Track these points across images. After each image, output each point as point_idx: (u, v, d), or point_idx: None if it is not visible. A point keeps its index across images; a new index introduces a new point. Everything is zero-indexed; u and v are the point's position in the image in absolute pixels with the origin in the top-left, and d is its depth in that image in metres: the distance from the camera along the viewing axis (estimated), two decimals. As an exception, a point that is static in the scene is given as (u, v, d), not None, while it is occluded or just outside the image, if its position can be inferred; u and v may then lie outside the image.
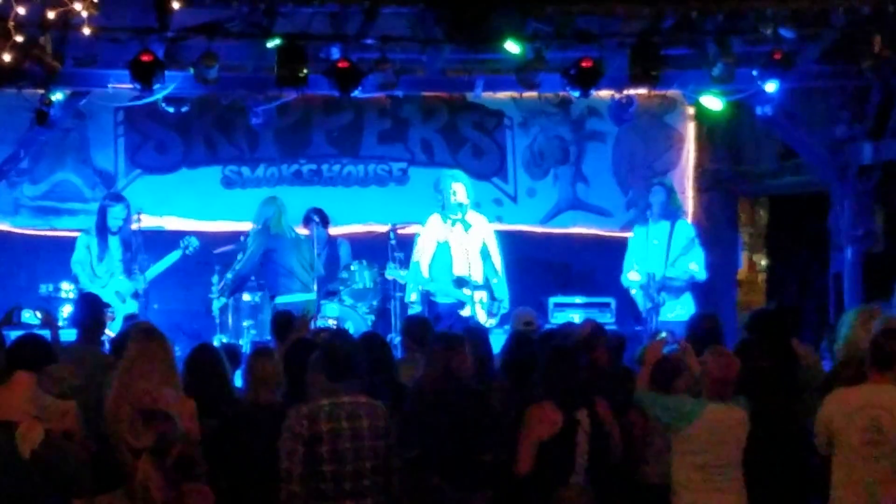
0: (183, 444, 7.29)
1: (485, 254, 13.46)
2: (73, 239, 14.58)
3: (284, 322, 10.93)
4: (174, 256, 13.34)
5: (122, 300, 13.22)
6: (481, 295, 13.29)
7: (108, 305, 11.15)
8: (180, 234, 13.78)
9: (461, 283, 13.23)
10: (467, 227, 13.34)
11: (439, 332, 9.53)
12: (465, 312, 13.16)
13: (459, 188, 13.34)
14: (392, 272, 13.41)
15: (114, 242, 13.38)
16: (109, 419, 7.61)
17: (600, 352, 9.21)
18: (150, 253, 13.43)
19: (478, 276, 13.36)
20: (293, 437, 7.17)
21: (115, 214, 13.36)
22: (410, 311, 13.42)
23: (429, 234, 13.42)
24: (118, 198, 13.56)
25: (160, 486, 6.56)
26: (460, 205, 13.28)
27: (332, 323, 13.00)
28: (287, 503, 7.17)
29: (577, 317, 13.27)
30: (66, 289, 13.31)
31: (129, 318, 12.92)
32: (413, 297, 13.55)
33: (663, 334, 11.76)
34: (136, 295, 13.34)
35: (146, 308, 13.42)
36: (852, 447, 7.78)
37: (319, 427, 7.16)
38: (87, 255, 13.30)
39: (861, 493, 7.76)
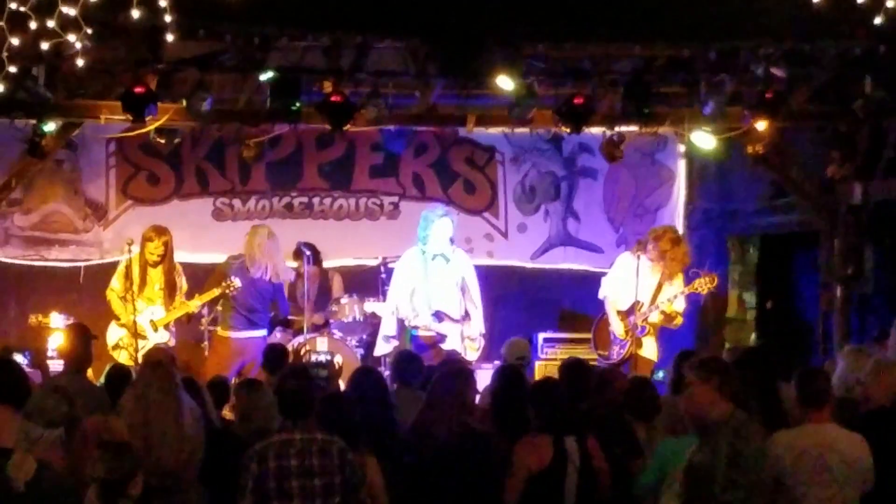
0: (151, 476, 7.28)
1: (464, 289, 13.43)
2: (64, 269, 14.64)
3: (276, 355, 10.94)
4: (212, 294, 13.25)
5: (154, 330, 13.23)
6: (461, 329, 13.26)
7: (95, 337, 11.13)
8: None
9: (440, 316, 13.21)
10: (447, 260, 13.32)
11: (442, 369, 9.43)
12: (447, 346, 13.12)
13: (437, 233, 13.29)
14: (371, 306, 13.39)
15: (155, 273, 13.39)
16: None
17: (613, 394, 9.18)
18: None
19: (457, 311, 13.32)
20: (243, 474, 7.24)
21: (151, 250, 13.34)
22: (391, 346, 13.34)
23: (405, 269, 13.40)
24: (159, 232, 13.44)
25: None
26: (435, 254, 13.26)
27: (323, 358, 12.98)
28: None
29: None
30: (56, 319, 13.28)
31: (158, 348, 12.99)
32: (391, 331, 13.46)
33: (661, 374, 11.83)
34: (167, 326, 13.35)
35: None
36: (799, 490, 7.77)
37: (267, 464, 7.22)
38: (125, 284, 13.23)
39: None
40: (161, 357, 8.48)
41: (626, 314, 13.33)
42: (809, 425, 7.93)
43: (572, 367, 9.59)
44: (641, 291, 13.20)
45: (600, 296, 13.68)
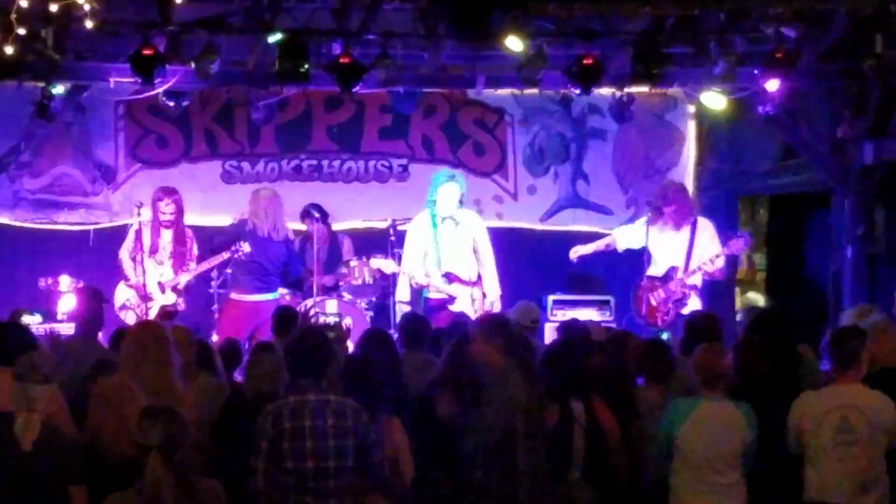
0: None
1: (476, 251, 13.42)
2: (73, 232, 14.65)
3: (286, 318, 10.95)
4: (221, 258, 13.29)
5: (161, 291, 13.27)
6: (472, 292, 13.26)
7: (107, 300, 11.17)
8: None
9: (451, 278, 13.20)
10: (456, 223, 13.31)
11: (457, 330, 9.43)
12: (455, 308, 13.12)
13: (445, 195, 13.26)
14: (378, 262, 13.38)
15: (166, 236, 13.42)
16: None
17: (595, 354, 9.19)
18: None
19: (469, 273, 13.31)
20: (259, 434, 7.20)
21: (163, 209, 13.38)
22: (401, 310, 13.34)
23: (416, 232, 13.41)
24: (169, 192, 13.51)
25: (171, 484, 6.54)
26: (444, 217, 13.24)
27: (332, 320, 12.98)
28: (251, 498, 7.18)
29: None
30: (65, 282, 13.30)
31: (165, 310, 13.17)
32: (405, 297, 13.46)
33: (665, 335, 11.84)
34: (175, 288, 13.38)
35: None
36: (824, 449, 7.79)
37: (282, 424, 7.18)
38: (136, 246, 13.25)
39: (836, 495, 7.77)
40: (150, 329, 8.43)
41: (661, 281, 13.32)
42: (836, 386, 7.94)
43: (569, 328, 9.61)
44: (675, 254, 13.23)
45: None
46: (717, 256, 13.15)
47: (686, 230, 13.32)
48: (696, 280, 13.28)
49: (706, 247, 13.29)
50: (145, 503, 6.41)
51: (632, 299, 13.63)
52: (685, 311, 13.11)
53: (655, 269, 13.39)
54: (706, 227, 13.48)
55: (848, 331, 8.26)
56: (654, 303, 13.34)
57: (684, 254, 13.28)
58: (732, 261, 14.54)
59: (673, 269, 13.28)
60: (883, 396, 7.87)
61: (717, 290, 14.99)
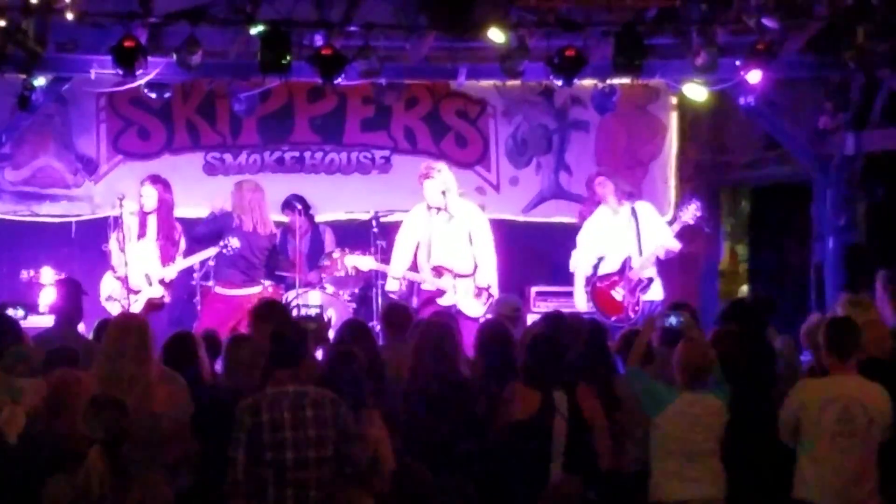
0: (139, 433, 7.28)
1: (472, 242, 13.35)
2: (55, 225, 14.61)
3: (268, 309, 10.93)
4: (209, 252, 13.28)
5: (148, 283, 13.23)
6: (465, 284, 13.21)
7: (86, 293, 11.15)
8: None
9: (439, 271, 13.16)
10: (450, 216, 13.26)
11: (427, 324, 9.45)
12: (445, 301, 13.08)
13: (426, 194, 13.22)
14: (353, 259, 13.34)
15: (152, 226, 13.39)
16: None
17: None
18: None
19: (462, 266, 13.25)
20: (237, 426, 7.19)
21: (146, 193, 13.37)
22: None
23: (408, 224, 13.39)
24: (153, 179, 13.50)
25: (106, 478, 6.53)
26: (438, 209, 13.18)
27: (313, 311, 12.98)
28: (230, 491, 7.18)
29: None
30: (48, 275, 13.27)
31: (152, 302, 13.17)
32: (398, 286, 13.41)
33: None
34: (162, 281, 13.33)
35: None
36: (822, 439, 7.81)
37: (261, 416, 7.16)
38: (120, 237, 13.19)
39: (831, 485, 7.80)
40: (134, 322, 8.43)
41: (619, 274, 13.35)
42: (836, 376, 7.96)
43: (552, 320, 9.62)
44: (625, 244, 13.30)
45: (571, 268, 13.72)
46: (670, 236, 13.28)
47: (628, 217, 13.40)
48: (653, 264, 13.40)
49: (654, 228, 13.38)
50: (78, 492, 6.43)
51: (590, 299, 13.63)
52: (647, 296, 13.19)
53: (609, 265, 13.47)
54: (647, 209, 13.59)
55: (845, 322, 8.27)
56: (618, 297, 13.38)
57: (634, 240, 13.35)
58: (706, 240, 14.64)
59: (628, 259, 13.33)
60: (881, 389, 7.90)
61: (699, 279, 15.09)
